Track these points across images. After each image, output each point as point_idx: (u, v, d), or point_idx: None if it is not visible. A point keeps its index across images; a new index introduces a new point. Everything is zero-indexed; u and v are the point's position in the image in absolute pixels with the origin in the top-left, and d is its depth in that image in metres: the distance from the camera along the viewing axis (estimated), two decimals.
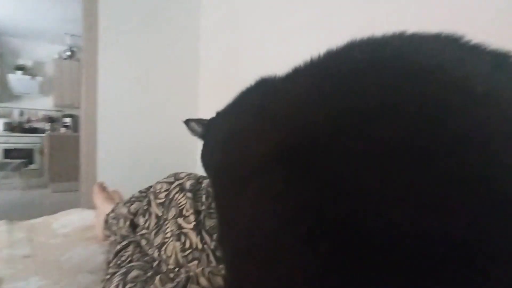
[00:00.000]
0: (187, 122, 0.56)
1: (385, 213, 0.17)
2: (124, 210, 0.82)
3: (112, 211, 0.94)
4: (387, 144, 0.18)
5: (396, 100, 0.18)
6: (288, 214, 0.21)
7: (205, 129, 0.52)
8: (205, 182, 0.75)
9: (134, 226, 0.77)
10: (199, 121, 0.54)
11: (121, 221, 0.82)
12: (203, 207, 0.67)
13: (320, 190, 0.20)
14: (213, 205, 0.68)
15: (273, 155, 0.23)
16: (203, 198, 0.69)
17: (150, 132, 1.85)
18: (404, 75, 0.19)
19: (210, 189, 0.73)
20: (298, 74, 0.29)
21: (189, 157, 1.96)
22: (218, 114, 0.49)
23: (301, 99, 0.24)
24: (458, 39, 0.22)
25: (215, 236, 0.59)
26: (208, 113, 1.98)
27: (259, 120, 0.28)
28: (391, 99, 0.19)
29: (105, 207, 1.02)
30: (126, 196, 1.13)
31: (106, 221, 0.93)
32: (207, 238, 0.59)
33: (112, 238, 0.87)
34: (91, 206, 1.68)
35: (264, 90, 0.35)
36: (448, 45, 0.22)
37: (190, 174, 0.77)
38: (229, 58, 1.77)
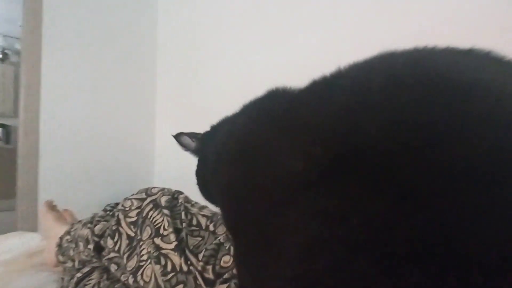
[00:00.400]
0: (178, 136, 0.52)
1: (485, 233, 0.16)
2: (85, 232, 0.73)
3: (67, 233, 0.84)
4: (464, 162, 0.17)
5: (461, 117, 0.19)
6: (358, 237, 0.19)
7: (200, 143, 0.49)
8: (181, 197, 0.71)
9: (99, 249, 0.69)
10: (191, 134, 0.51)
11: (81, 245, 0.73)
12: (184, 225, 0.63)
13: (396, 207, 0.18)
14: (194, 221, 0.65)
15: (322, 169, 0.22)
16: (182, 215, 0.65)
17: (101, 145, 1.71)
18: (459, 93, 0.20)
19: (188, 205, 0.69)
20: (329, 85, 0.28)
21: (144, 173, 1.85)
22: (214, 127, 0.47)
23: (347, 111, 0.23)
24: (490, 54, 0.23)
25: (200, 256, 0.56)
26: (165, 128, 1.91)
27: (290, 132, 0.27)
28: (456, 117, 0.19)
29: (56, 228, 0.91)
30: (79, 216, 1.02)
31: (59, 245, 0.83)
32: (192, 258, 0.56)
33: (69, 264, 0.78)
34: (30, 227, 1.48)
35: (286, 100, 0.33)
36: (485, 60, 0.23)
37: (163, 189, 0.72)
38: (188, 71, 1.73)
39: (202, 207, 0.72)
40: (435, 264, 0.16)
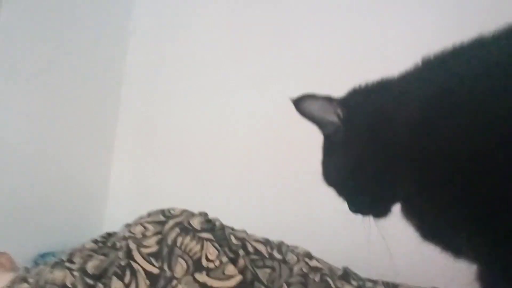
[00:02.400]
0: (302, 100, 0.37)
1: None
2: (59, 275, 0.48)
3: (13, 282, 0.55)
4: None
5: None
6: None
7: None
8: (216, 219, 0.53)
9: None
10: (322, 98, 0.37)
11: None
12: (241, 252, 0.44)
13: None
14: (250, 248, 0.46)
15: None
16: (233, 240, 0.47)
17: (42, 182, 1.36)
18: None
19: (229, 229, 0.51)
20: None
21: (93, 216, 1.50)
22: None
23: None
24: None
25: None
26: (123, 166, 1.61)
27: None
28: None
29: None
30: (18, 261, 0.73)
31: None
32: None
33: None
34: None
35: None
36: None
37: (186, 210, 0.53)
38: (154, 106, 1.55)
39: (245, 231, 0.54)
40: None
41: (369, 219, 0.39)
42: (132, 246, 0.47)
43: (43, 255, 1.18)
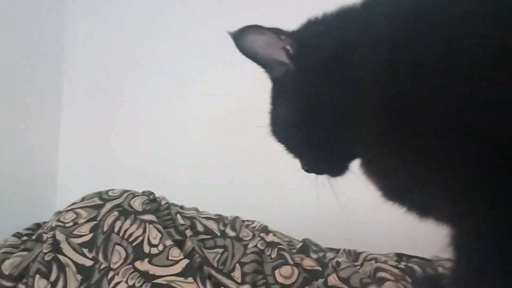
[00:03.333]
0: (244, 33, 0.30)
1: None
2: None
3: None
4: None
5: None
6: None
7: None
8: (162, 198, 0.47)
9: None
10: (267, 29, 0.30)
11: None
12: (188, 233, 0.39)
13: None
14: (200, 228, 0.41)
15: None
16: (179, 220, 0.41)
17: None
18: None
19: (177, 208, 0.45)
20: None
21: (42, 202, 1.37)
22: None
23: None
24: None
25: (237, 274, 0.34)
26: (73, 146, 1.44)
27: None
28: None
29: None
30: None
31: None
32: (225, 281, 0.34)
33: None
34: None
35: None
36: None
37: (127, 190, 0.47)
38: (101, 79, 1.40)
39: (196, 209, 0.48)
40: None
41: (324, 179, 0.34)
42: (60, 237, 0.40)
43: None
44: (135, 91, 1.23)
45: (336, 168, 0.32)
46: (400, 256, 0.43)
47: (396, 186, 0.28)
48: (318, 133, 0.29)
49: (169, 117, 1.07)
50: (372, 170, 0.29)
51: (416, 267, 0.38)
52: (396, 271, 0.36)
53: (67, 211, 0.44)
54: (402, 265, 0.39)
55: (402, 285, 0.33)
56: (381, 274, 0.35)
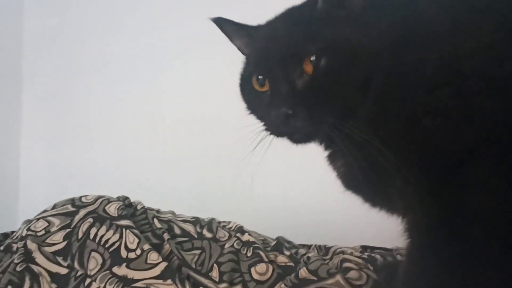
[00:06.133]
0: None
1: None
2: None
3: None
4: None
5: None
6: None
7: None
8: (137, 202, 0.47)
9: None
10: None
11: None
12: (165, 236, 0.40)
13: None
14: (177, 230, 0.42)
15: None
16: (156, 223, 0.42)
17: None
18: None
19: (153, 211, 0.46)
20: None
21: (3, 208, 1.29)
22: None
23: None
24: None
25: (215, 274, 0.36)
26: (36, 143, 1.31)
27: None
28: None
29: None
30: None
31: None
32: (203, 281, 0.35)
33: None
34: None
35: None
36: None
37: (102, 196, 0.47)
38: (62, 79, 1.33)
39: (172, 212, 0.49)
40: None
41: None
42: (32, 246, 0.40)
43: None
44: (102, 91, 1.18)
45: (310, 131, 0.32)
46: (365, 248, 0.47)
47: (356, 178, 0.31)
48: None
49: (137, 118, 1.04)
50: (338, 159, 0.32)
51: (378, 257, 0.42)
52: (360, 261, 0.40)
53: (38, 219, 0.43)
54: (365, 255, 0.42)
55: (364, 272, 0.37)
56: (346, 264, 0.39)
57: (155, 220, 0.42)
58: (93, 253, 0.38)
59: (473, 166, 0.23)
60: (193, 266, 0.38)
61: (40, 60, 1.41)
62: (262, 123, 0.35)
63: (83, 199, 0.45)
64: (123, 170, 1.03)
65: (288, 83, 0.30)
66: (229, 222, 0.48)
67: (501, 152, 0.23)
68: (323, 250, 0.49)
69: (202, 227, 0.44)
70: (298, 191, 0.75)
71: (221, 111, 0.84)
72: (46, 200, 0.56)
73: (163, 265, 0.36)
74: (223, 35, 0.41)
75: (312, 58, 0.29)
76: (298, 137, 0.32)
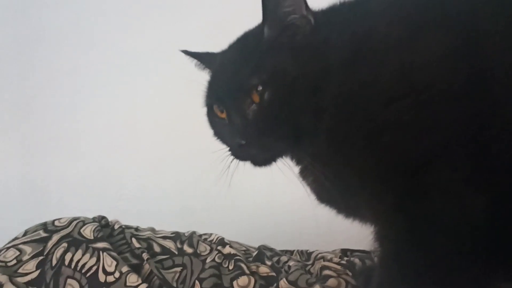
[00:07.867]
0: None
1: None
2: None
3: None
4: None
5: None
6: None
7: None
8: (115, 221, 0.46)
9: None
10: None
11: None
12: (144, 256, 0.39)
13: None
14: (156, 248, 0.42)
15: None
16: (134, 243, 0.41)
17: None
18: None
19: (131, 230, 0.45)
20: None
21: None
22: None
23: None
24: None
25: None
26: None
27: None
28: None
29: None
30: None
31: None
32: None
33: None
34: None
35: None
36: None
37: (76, 218, 0.45)
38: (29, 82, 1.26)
39: (152, 229, 0.48)
40: None
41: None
42: (2, 278, 0.38)
43: None
44: (73, 100, 1.12)
45: (267, 157, 0.33)
46: (345, 252, 0.48)
47: (330, 191, 0.31)
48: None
49: (113, 127, 1.01)
50: (308, 178, 0.33)
51: (356, 261, 0.43)
52: (339, 267, 0.41)
53: (8, 248, 0.41)
54: (344, 260, 0.43)
55: (343, 279, 0.38)
56: (325, 272, 0.40)
57: (133, 240, 0.42)
58: (69, 280, 0.37)
59: (432, 174, 0.25)
60: (174, 284, 0.37)
61: (4, 67, 1.31)
62: (227, 148, 0.36)
63: (56, 223, 0.44)
64: (102, 181, 1.00)
65: (240, 114, 0.32)
66: (210, 235, 0.48)
67: (458, 158, 0.24)
68: (305, 255, 0.49)
69: (182, 243, 0.43)
70: (281, 195, 0.76)
71: (200, 115, 0.83)
72: (22, 221, 0.53)
73: (143, 286, 0.35)
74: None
75: (259, 88, 0.31)
76: (258, 162, 0.34)
